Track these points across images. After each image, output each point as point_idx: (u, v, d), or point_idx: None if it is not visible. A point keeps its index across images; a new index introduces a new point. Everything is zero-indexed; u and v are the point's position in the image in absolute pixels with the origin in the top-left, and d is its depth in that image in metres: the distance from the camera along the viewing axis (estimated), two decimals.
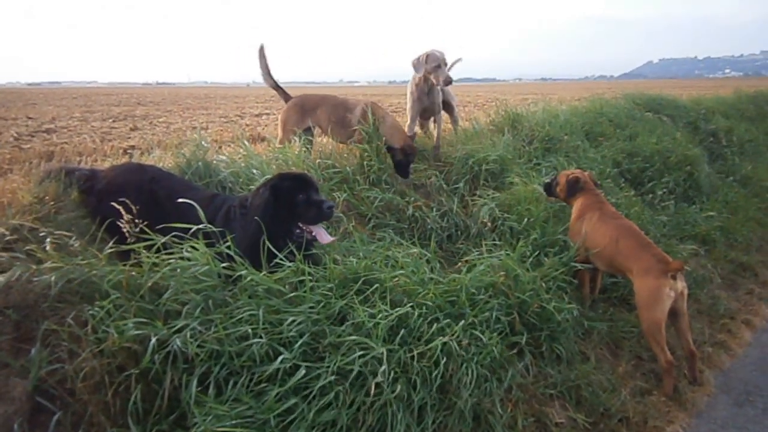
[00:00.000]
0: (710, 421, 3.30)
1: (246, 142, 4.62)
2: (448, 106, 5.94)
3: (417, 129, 5.58)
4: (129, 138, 9.46)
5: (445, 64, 5.16)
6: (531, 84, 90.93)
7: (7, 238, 2.71)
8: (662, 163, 6.70)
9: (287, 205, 2.90)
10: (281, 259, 2.76)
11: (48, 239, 2.64)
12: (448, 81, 5.14)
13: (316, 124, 4.93)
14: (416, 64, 5.21)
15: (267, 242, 2.76)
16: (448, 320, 2.87)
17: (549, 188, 4.51)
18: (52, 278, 2.43)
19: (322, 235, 2.97)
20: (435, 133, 5.52)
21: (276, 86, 5.10)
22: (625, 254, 3.72)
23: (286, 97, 5.08)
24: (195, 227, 2.73)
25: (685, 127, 8.94)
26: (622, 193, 5.60)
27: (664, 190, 6.26)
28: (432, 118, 5.84)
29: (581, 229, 4.04)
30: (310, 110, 4.91)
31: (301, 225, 2.95)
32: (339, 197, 4.11)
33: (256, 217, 2.80)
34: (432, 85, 5.27)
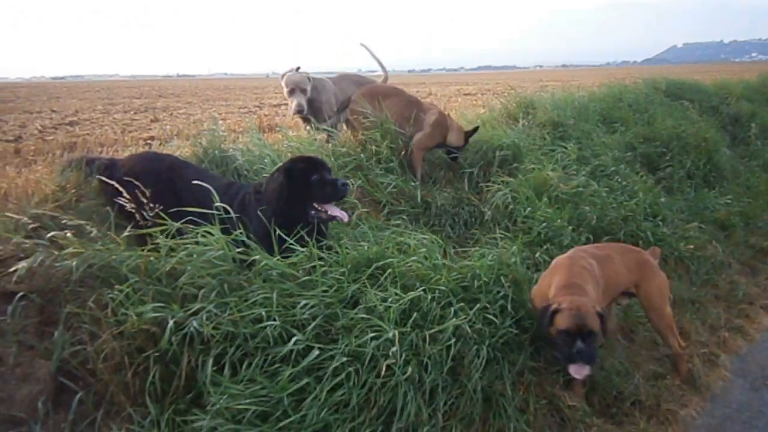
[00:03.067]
0: (725, 404, 3.29)
1: (257, 132, 4.68)
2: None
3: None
4: (149, 129, 9.61)
5: (302, 91, 5.09)
6: (551, 71, 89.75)
7: (31, 225, 2.80)
8: (681, 147, 6.60)
9: (301, 186, 2.95)
10: (294, 244, 2.80)
11: (69, 226, 2.71)
12: (298, 110, 5.10)
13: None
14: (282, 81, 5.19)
15: (282, 227, 2.81)
16: (461, 304, 2.89)
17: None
18: (74, 263, 2.51)
19: (337, 212, 3.02)
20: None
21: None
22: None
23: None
24: (205, 214, 2.80)
25: (707, 112, 8.77)
26: (637, 178, 5.54)
27: (682, 174, 6.18)
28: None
29: None
30: (381, 99, 4.84)
31: (316, 206, 3.00)
32: (353, 184, 4.15)
33: (271, 201, 2.85)
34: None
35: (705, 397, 3.33)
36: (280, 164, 3.18)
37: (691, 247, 4.76)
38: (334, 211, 3.02)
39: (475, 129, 4.93)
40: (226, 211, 2.85)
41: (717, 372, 3.56)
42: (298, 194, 2.95)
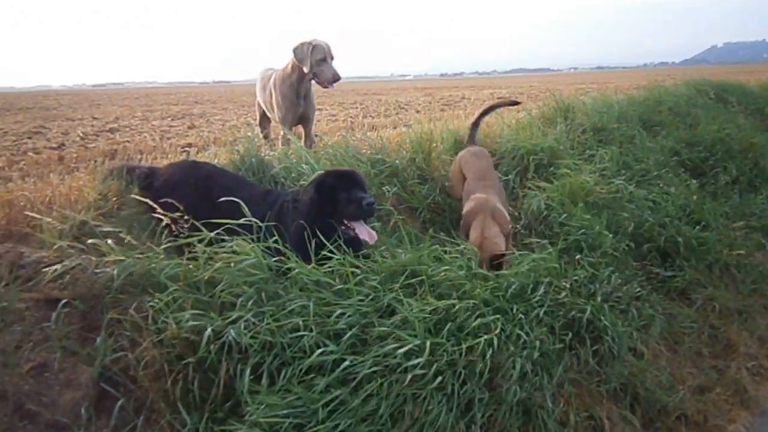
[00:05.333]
0: None
1: (294, 138, 4.70)
2: (303, 118, 5.19)
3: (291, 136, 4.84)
4: (187, 136, 9.78)
5: (332, 58, 4.75)
6: (587, 73, 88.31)
7: (74, 232, 2.87)
8: (725, 151, 6.38)
9: (330, 202, 2.95)
10: (332, 251, 2.80)
11: (110, 234, 2.77)
12: (337, 78, 4.75)
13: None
14: (300, 55, 4.71)
15: (315, 237, 2.80)
16: (497, 315, 2.83)
17: None
18: (115, 271, 2.56)
19: (363, 231, 2.98)
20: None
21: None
22: None
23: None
24: (245, 222, 2.81)
25: (752, 114, 8.49)
26: (681, 184, 5.38)
27: (727, 179, 5.98)
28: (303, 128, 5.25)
29: None
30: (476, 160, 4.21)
31: (345, 222, 2.99)
32: (389, 191, 4.13)
33: (303, 214, 2.86)
34: (310, 85, 4.91)
35: (754, 413, 3.22)
36: (316, 175, 3.18)
37: (738, 254, 4.59)
38: (360, 230, 2.98)
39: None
40: (262, 221, 2.87)
41: (766, 386, 3.43)
42: (327, 210, 2.95)
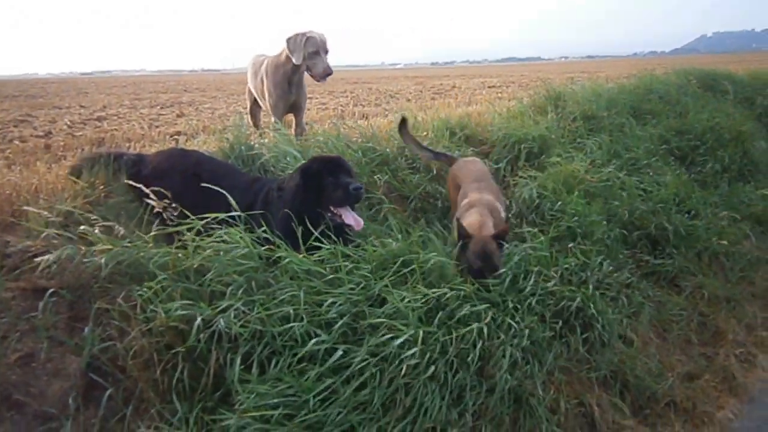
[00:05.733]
0: (763, 407, 3.20)
1: (283, 127, 4.65)
2: (294, 107, 5.12)
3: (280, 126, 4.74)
4: (176, 124, 9.66)
5: (326, 52, 4.68)
6: (577, 62, 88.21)
7: (61, 221, 2.83)
8: (715, 140, 6.40)
9: (316, 189, 2.91)
10: (321, 240, 2.78)
11: (98, 223, 2.73)
12: (328, 73, 4.68)
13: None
14: (293, 46, 4.63)
15: (301, 224, 2.78)
16: (487, 305, 2.83)
17: None
18: (103, 260, 2.53)
19: (349, 218, 2.93)
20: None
21: (436, 156, 4.32)
22: None
23: (450, 161, 4.23)
24: (229, 212, 2.79)
25: (741, 103, 8.51)
26: (671, 172, 5.39)
27: (717, 167, 6.00)
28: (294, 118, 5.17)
29: None
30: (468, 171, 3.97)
31: (332, 209, 2.95)
32: (380, 179, 4.11)
33: (288, 201, 2.83)
34: (302, 74, 4.85)
35: (742, 399, 3.25)
36: (302, 163, 3.15)
37: (726, 242, 4.62)
38: (347, 217, 2.93)
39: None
40: (249, 209, 2.83)
41: (754, 373, 3.47)
42: (313, 196, 2.91)
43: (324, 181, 2.92)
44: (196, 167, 3.21)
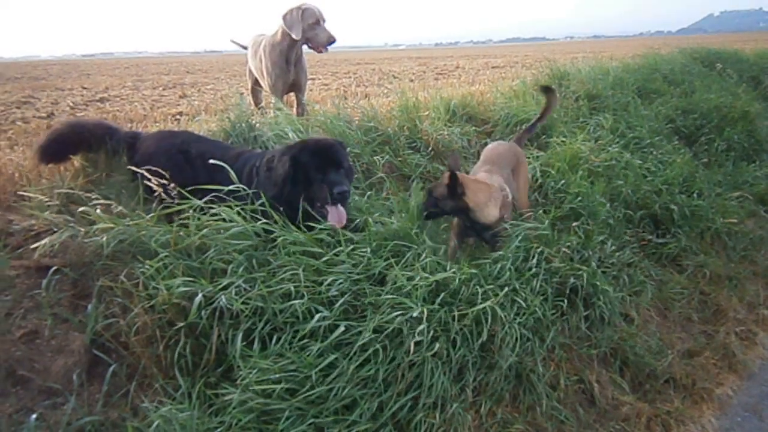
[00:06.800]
0: (762, 383, 3.21)
1: (285, 106, 4.63)
2: (294, 86, 5.06)
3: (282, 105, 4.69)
4: (178, 105, 9.63)
5: (324, 21, 4.60)
6: (583, 42, 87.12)
7: (63, 200, 2.84)
8: (720, 119, 6.36)
9: (303, 182, 2.85)
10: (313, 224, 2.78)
11: (99, 201, 2.74)
12: (332, 40, 4.60)
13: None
14: (290, 21, 4.57)
15: (289, 209, 2.78)
16: (491, 286, 2.81)
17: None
18: (105, 239, 2.54)
19: (333, 214, 2.86)
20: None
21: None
22: None
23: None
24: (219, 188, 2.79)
25: (747, 82, 8.43)
26: (675, 151, 5.36)
27: (722, 147, 5.96)
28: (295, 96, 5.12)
29: None
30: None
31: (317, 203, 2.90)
32: (381, 159, 4.09)
33: (275, 186, 2.81)
34: (301, 52, 4.78)
35: (742, 376, 3.26)
36: (293, 143, 3.07)
37: (729, 221, 4.60)
38: (331, 212, 2.86)
39: None
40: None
41: (755, 350, 3.49)
42: (300, 188, 2.85)
43: (311, 177, 2.85)
44: (183, 146, 3.19)
